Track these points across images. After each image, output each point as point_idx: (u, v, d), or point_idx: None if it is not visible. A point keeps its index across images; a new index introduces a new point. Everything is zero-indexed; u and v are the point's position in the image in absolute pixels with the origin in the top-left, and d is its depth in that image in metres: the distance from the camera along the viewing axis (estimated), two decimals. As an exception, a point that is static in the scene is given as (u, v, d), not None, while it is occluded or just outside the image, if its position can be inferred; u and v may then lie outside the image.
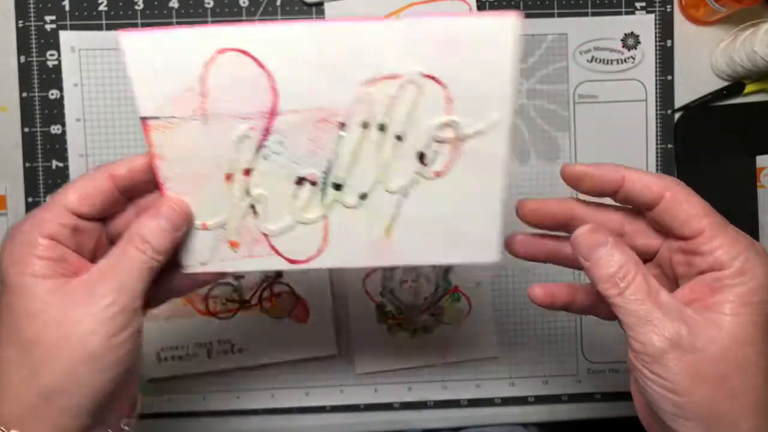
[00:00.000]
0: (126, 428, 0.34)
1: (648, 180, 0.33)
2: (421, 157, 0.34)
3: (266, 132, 0.34)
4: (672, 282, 0.35)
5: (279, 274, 0.58)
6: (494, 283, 0.59)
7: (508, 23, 0.31)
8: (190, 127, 0.34)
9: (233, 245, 0.36)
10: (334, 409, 0.60)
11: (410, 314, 0.59)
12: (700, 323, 0.30)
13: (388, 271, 0.59)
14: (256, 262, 0.37)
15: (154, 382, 0.58)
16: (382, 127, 0.34)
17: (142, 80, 0.33)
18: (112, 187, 0.33)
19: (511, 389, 0.60)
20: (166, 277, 0.36)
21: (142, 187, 0.35)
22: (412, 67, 0.32)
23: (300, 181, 0.35)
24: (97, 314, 0.30)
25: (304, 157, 0.34)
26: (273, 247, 0.36)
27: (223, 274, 0.38)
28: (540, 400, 0.60)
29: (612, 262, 0.32)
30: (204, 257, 0.36)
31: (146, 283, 0.32)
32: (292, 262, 0.37)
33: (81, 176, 0.33)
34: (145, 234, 0.32)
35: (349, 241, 0.36)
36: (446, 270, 0.59)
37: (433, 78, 0.32)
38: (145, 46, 0.32)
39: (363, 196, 0.35)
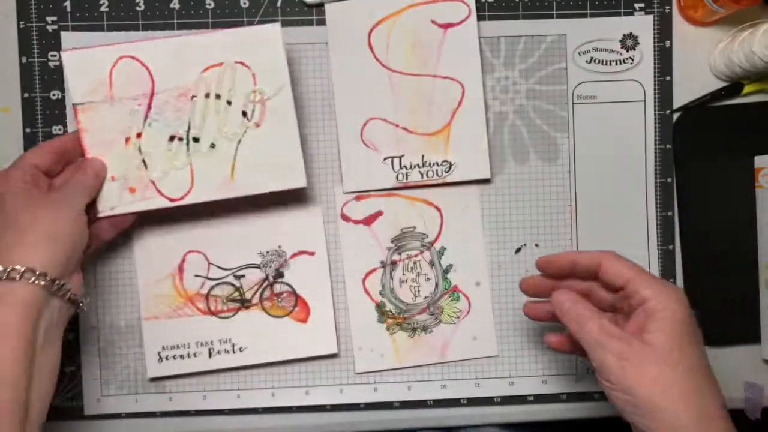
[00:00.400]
0: (84, 302, 0.49)
1: (588, 257, 0.48)
2: (245, 114, 0.53)
3: (149, 107, 0.52)
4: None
5: (280, 274, 0.58)
6: (494, 283, 0.60)
7: (273, 28, 0.52)
8: (103, 108, 0.52)
9: (132, 191, 0.53)
10: (334, 408, 0.60)
11: (410, 313, 0.60)
12: (638, 341, 0.43)
13: (388, 271, 0.59)
14: (148, 202, 0.53)
15: (155, 380, 0.59)
16: (218, 96, 0.53)
17: (73, 80, 0.52)
18: (53, 152, 0.51)
19: (511, 388, 0.60)
20: (91, 227, 0.51)
21: (72, 153, 0.52)
22: (228, 57, 0.52)
23: (171, 138, 0.53)
24: (64, 208, 0.48)
25: (173, 121, 0.53)
26: (158, 191, 0.53)
27: (133, 216, 0.54)
28: (539, 399, 0.60)
29: (574, 311, 0.46)
30: (113, 203, 0.53)
31: (84, 199, 0.50)
32: (171, 200, 0.53)
33: (31, 148, 0.51)
34: (78, 178, 0.50)
35: (208, 180, 0.53)
36: (446, 270, 0.60)
37: (242, 63, 0.52)
38: (77, 59, 0.52)
39: (212, 145, 0.53)
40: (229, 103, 0.52)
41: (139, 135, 0.52)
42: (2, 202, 0.47)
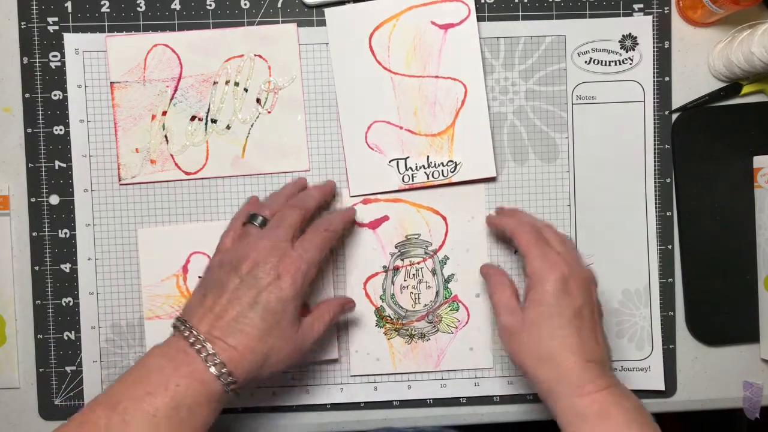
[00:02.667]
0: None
1: (502, 225, 0.56)
2: (259, 101, 0.58)
3: (176, 89, 0.58)
4: None
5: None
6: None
7: (290, 27, 0.58)
8: (136, 87, 0.58)
9: (152, 162, 0.58)
10: (335, 407, 0.60)
11: (408, 320, 0.60)
12: (521, 315, 0.51)
13: (390, 276, 0.59)
14: (166, 174, 0.59)
15: (156, 380, 0.59)
16: (236, 84, 0.58)
17: (114, 61, 0.58)
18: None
19: (510, 387, 0.60)
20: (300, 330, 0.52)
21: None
22: (248, 50, 0.58)
23: (193, 118, 0.58)
24: (301, 348, 0.51)
25: (195, 103, 0.58)
26: (176, 164, 0.59)
27: None
28: (538, 398, 0.61)
29: (493, 281, 0.55)
30: (134, 172, 0.58)
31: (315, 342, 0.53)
32: (187, 173, 0.59)
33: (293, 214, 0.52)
34: (321, 326, 0.54)
35: (221, 158, 0.59)
36: (447, 279, 0.60)
37: (260, 56, 0.58)
38: (118, 43, 0.58)
39: (228, 127, 0.59)
40: (245, 90, 0.58)
41: (164, 113, 0.58)
42: (275, 306, 0.48)
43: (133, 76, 0.58)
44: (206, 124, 0.58)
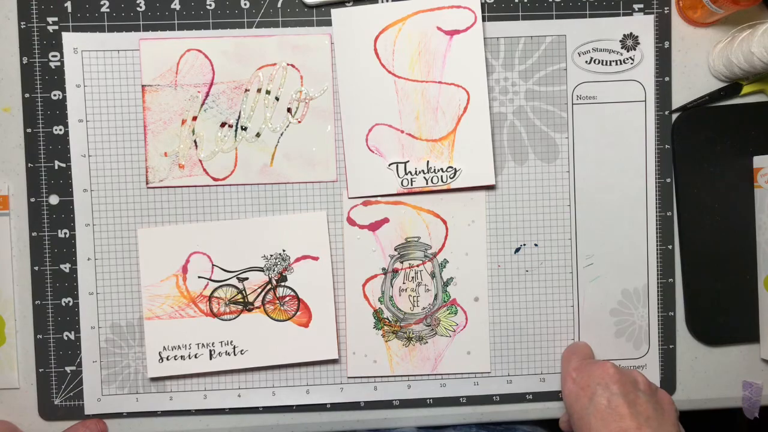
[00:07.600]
0: None
1: None
2: (289, 110, 0.58)
3: (207, 94, 0.58)
4: None
5: (283, 278, 0.58)
6: (492, 297, 0.60)
7: (323, 38, 0.58)
8: (167, 92, 0.58)
9: (181, 167, 0.58)
10: (335, 406, 0.60)
11: (406, 323, 0.60)
12: None
13: (389, 278, 0.59)
14: (194, 179, 0.59)
15: (155, 380, 0.59)
16: (268, 92, 0.58)
17: (146, 64, 0.58)
18: None
19: (509, 386, 0.61)
20: None
21: None
22: (281, 59, 0.58)
23: (223, 124, 0.58)
24: None
25: (226, 110, 0.58)
26: (204, 170, 0.59)
27: None
28: (538, 397, 0.61)
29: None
30: (162, 176, 0.58)
31: None
32: (215, 179, 0.59)
33: None
34: None
35: (250, 166, 0.59)
36: (446, 282, 0.60)
37: (292, 65, 0.58)
38: (151, 46, 0.58)
39: (258, 135, 0.59)
40: (277, 99, 0.58)
41: (194, 118, 0.58)
42: None
43: (165, 80, 0.58)
44: (236, 131, 0.58)
